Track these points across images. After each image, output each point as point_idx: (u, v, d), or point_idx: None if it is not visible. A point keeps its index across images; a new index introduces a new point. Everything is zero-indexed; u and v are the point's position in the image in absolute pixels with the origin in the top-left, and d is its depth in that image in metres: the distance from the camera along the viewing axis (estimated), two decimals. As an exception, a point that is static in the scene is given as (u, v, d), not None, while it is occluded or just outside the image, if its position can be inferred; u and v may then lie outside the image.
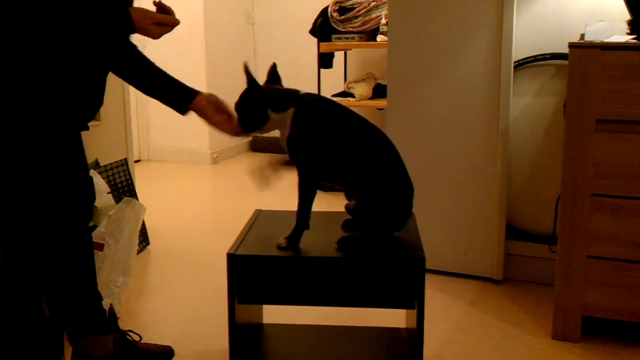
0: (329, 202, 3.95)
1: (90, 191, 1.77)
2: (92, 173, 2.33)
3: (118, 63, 1.85)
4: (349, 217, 1.81)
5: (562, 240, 2.05)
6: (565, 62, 2.08)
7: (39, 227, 1.68)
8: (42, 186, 1.64)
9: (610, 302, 2.02)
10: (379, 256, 1.63)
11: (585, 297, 2.04)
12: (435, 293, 2.47)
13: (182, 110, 1.85)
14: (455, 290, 2.50)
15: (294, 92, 1.69)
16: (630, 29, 2.08)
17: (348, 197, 1.76)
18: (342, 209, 1.85)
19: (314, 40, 4.17)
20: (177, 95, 1.85)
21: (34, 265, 1.73)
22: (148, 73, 1.86)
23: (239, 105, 1.73)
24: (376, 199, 1.64)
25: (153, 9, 1.68)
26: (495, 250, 2.54)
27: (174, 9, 1.70)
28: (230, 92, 5.53)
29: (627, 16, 2.10)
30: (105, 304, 1.91)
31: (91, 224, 2.19)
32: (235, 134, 1.83)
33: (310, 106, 1.67)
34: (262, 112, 1.68)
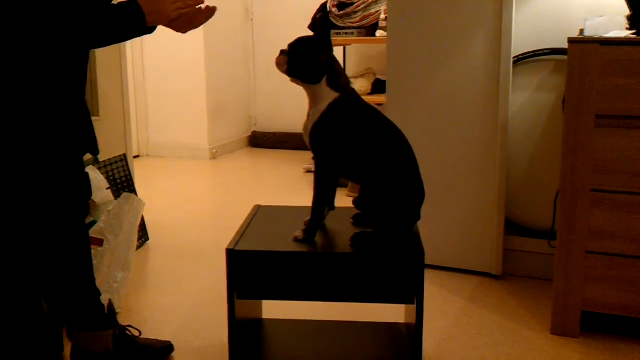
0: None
1: (86, 187, 1.77)
2: (91, 169, 2.33)
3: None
4: (348, 213, 1.82)
5: (561, 236, 2.05)
6: (565, 57, 2.08)
7: (35, 223, 1.68)
8: (38, 182, 1.64)
9: (610, 298, 2.02)
10: (378, 252, 1.63)
11: (585, 293, 2.04)
12: (434, 288, 2.47)
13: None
14: (455, 286, 2.50)
15: (347, 81, 1.73)
16: (629, 24, 2.07)
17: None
18: (340, 205, 1.85)
19: (313, 35, 4.16)
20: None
21: (32, 262, 1.73)
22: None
23: (300, 51, 1.69)
24: (383, 191, 1.66)
25: None
26: (495, 246, 2.54)
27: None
28: (229, 88, 5.53)
29: (626, 11, 2.10)
30: (105, 300, 1.91)
31: (90, 219, 2.19)
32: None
33: (350, 101, 1.70)
34: (320, 73, 1.68)
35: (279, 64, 1.71)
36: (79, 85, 1.70)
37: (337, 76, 1.70)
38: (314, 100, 1.70)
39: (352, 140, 1.67)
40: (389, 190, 1.67)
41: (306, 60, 1.68)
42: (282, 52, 1.71)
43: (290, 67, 1.69)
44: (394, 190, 1.67)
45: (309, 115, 1.71)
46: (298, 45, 1.70)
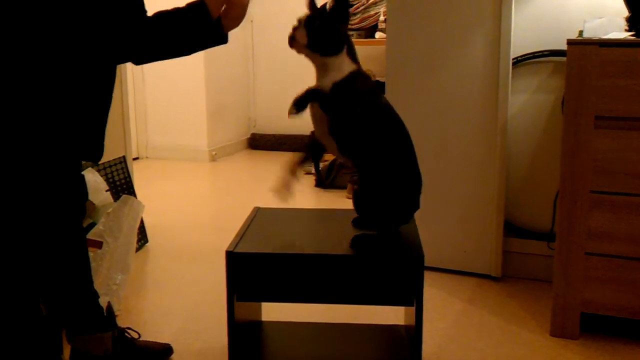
0: (328, 200, 3.95)
1: (82, 189, 1.76)
2: (90, 171, 2.33)
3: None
4: (348, 215, 1.81)
5: (560, 237, 2.05)
6: (564, 58, 2.08)
7: (31, 226, 1.67)
8: (34, 185, 1.64)
9: (609, 299, 2.02)
10: (378, 253, 1.63)
11: (584, 294, 2.04)
12: (433, 290, 2.47)
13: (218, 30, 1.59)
14: (454, 288, 2.50)
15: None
16: (628, 26, 2.08)
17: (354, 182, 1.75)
18: (339, 207, 1.85)
19: (313, 37, 4.16)
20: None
21: (30, 264, 1.73)
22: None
23: (320, 23, 1.60)
24: (380, 181, 1.65)
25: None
26: (494, 248, 2.54)
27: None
28: (229, 90, 5.51)
29: (625, 12, 2.10)
30: (104, 302, 1.91)
31: (90, 221, 2.19)
32: None
33: (366, 76, 1.67)
34: (342, 44, 1.61)
35: (298, 37, 1.59)
36: (102, 95, 1.70)
37: (354, 48, 1.64)
38: (326, 71, 1.60)
39: (365, 112, 1.61)
40: (388, 175, 1.64)
41: (328, 31, 1.59)
42: (297, 26, 1.61)
43: (311, 40, 1.59)
44: (393, 174, 1.64)
45: (320, 81, 1.61)
46: (315, 17, 1.61)
